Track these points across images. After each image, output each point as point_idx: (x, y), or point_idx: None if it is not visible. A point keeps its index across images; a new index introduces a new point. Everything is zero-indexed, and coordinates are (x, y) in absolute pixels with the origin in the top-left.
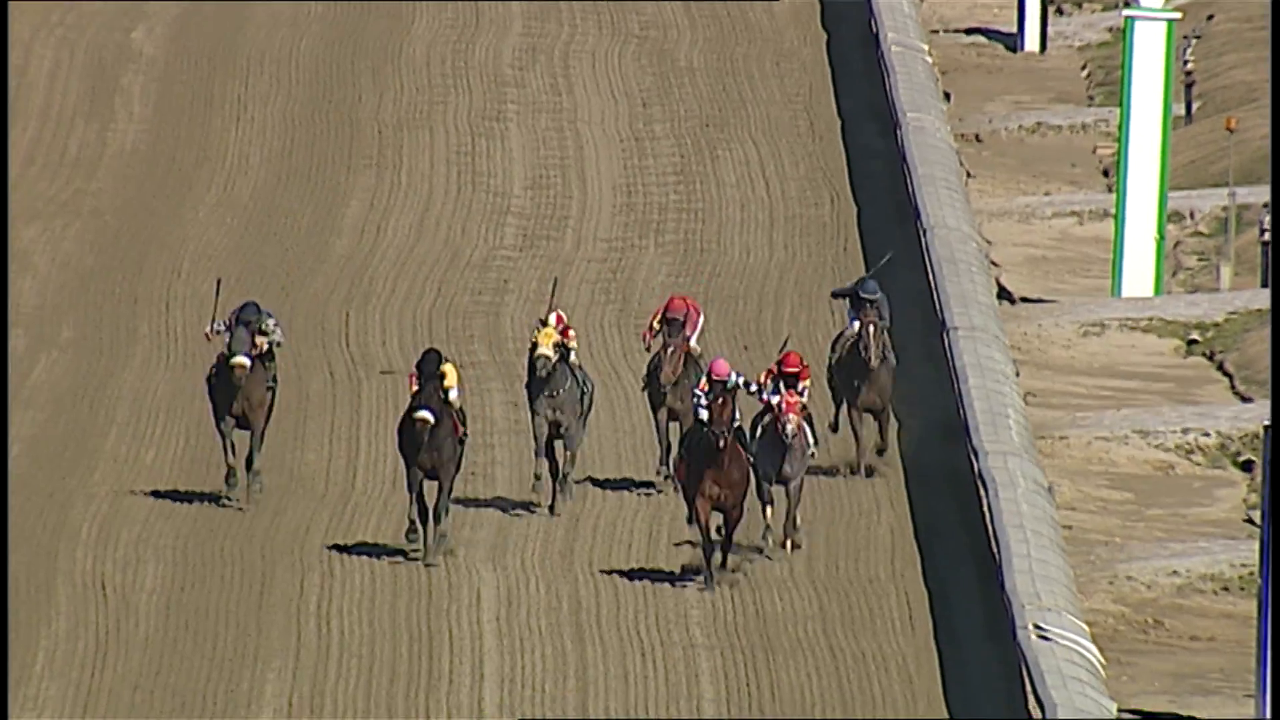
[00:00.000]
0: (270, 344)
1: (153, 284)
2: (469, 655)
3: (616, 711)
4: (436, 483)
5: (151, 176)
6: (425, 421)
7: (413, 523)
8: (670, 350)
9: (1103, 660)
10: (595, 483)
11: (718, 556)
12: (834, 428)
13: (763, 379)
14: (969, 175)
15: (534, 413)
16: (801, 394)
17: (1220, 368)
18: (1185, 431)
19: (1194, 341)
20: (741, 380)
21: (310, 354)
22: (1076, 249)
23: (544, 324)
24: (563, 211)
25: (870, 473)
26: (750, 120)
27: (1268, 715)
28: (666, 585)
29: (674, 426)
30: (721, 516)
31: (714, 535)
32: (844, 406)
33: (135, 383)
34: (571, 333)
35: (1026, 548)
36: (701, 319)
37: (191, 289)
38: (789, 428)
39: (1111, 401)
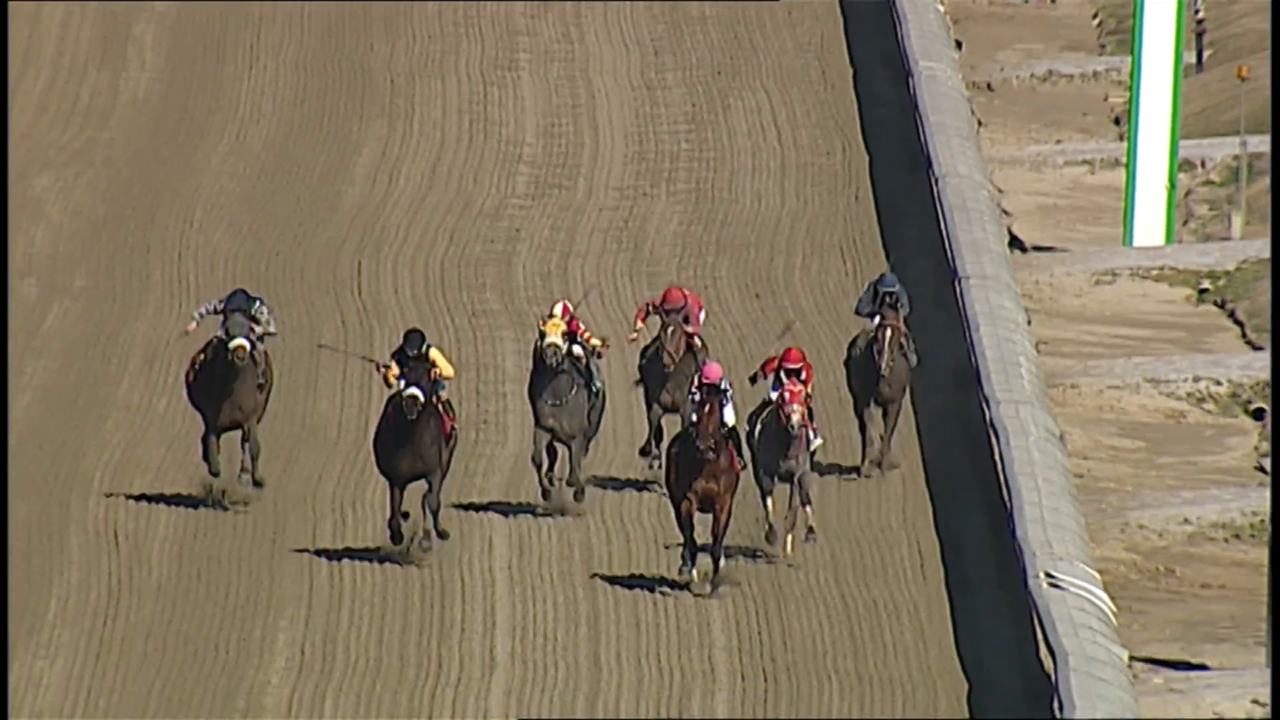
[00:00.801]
0: (262, 334)
1: (165, 233)
2: (481, 603)
3: (627, 658)
4: (425, 482)
5: (164, 125)
6: (415, 399)
7: (394, 534)
8: (670, 330)
9: (1114, 608)
10: (608, 432)
11: (707, 562)
12: (869, 443)
13: (764, 370)
14: (980, 124)
15: (537, 418)
16: (803, 384)
17: (1231, 316)
18: (1196, 380)
19: (1205, 290)
20: (729, 391)
21: (322, 302)
22: (1088, 197)
23: (550, 316)
24: (574, 160)
25: (873, 469)
26: (762, 69)
27: None
28: (677, 534)
29: (669, 422)
30: (710, 518)
31: (698, 539)
32: (862, 405)
33: (147, 331)
34: (581, 326)
35: (1038, 496)
36: (704, 313)
37: (204, 238)
38: (794, 419)
39: (1123, 350)
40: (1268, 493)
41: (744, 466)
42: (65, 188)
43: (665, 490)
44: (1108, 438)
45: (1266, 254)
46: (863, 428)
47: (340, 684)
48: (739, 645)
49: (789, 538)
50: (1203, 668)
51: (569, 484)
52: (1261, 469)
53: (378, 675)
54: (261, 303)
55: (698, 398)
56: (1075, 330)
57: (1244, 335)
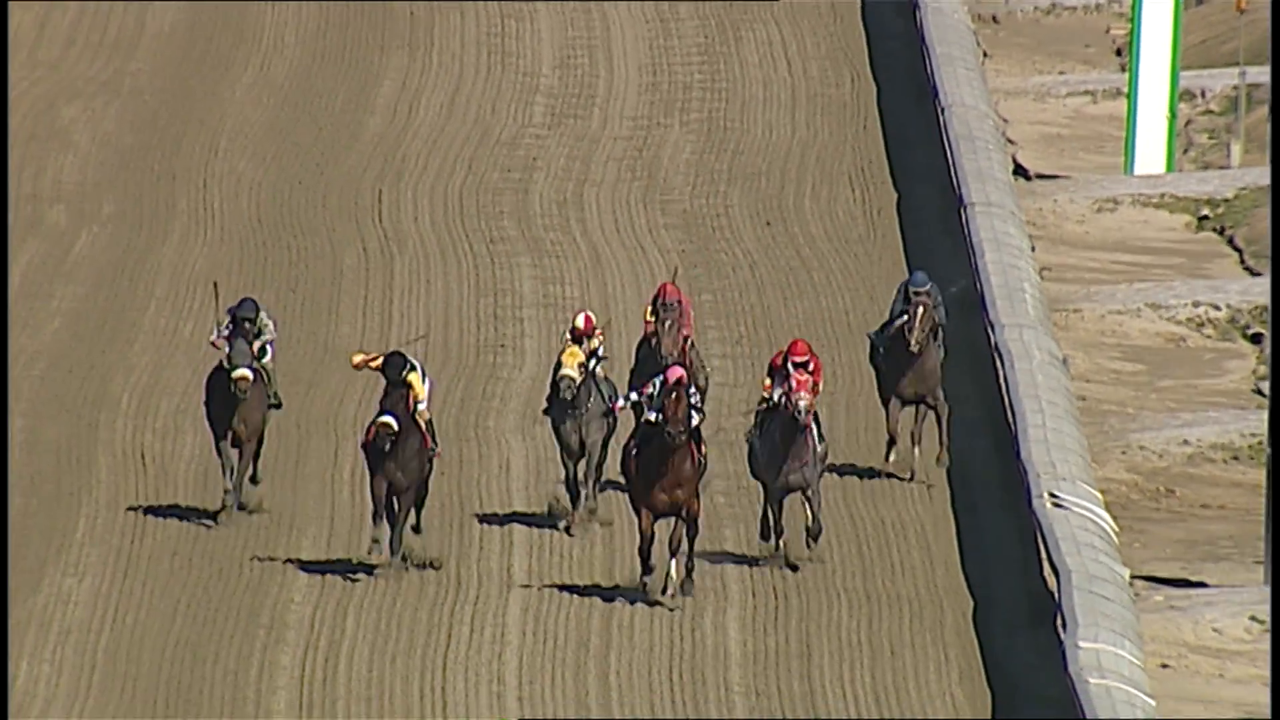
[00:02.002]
0: (266, 346)
1: (190, 161)
2: (498, 523)
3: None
4: (398, 500)
5: (189, 57)
6: (388, 427)
7: (376, 540)
8: (668, 324)
9: (1116, 527)
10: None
11: (673, 567)
12: (888, 454)
13: (768, 384)
14: (986, 55)
15: (558, 437)
16: (811, 373)
17: (1230, 242)
18: (1196, 305)
19: (1205, 217)
20: (695, 393)
21: (344, 230)
22: (1090, 127)
23: (572, 336)
24: (590, 90)
25: (912, 475)
26: (773, 3)
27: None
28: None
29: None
30: (678, 524)
31: (661, 547)
32: (892, 408)
33: (174, 257)
34: (600, 335)
35: (1042, 418)
36: (693, 313)
37: (228, 166)
38: (801, 404)
39: (1124, 276)
40: (1265, 415)
41: (705, 468)
42: (93, 117)
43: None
44: (1109, 361)
45: (1265, 182)
46: (889, 420)
47: (361, 601)
48: (749, 564)
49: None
50: (1202, 585)
51: (584, 493)
52: (1259, 392)
53: (398, 593)
54: (265, 312)
55: (663, 392)
56: (1078, 256)
57: (1242, 261)
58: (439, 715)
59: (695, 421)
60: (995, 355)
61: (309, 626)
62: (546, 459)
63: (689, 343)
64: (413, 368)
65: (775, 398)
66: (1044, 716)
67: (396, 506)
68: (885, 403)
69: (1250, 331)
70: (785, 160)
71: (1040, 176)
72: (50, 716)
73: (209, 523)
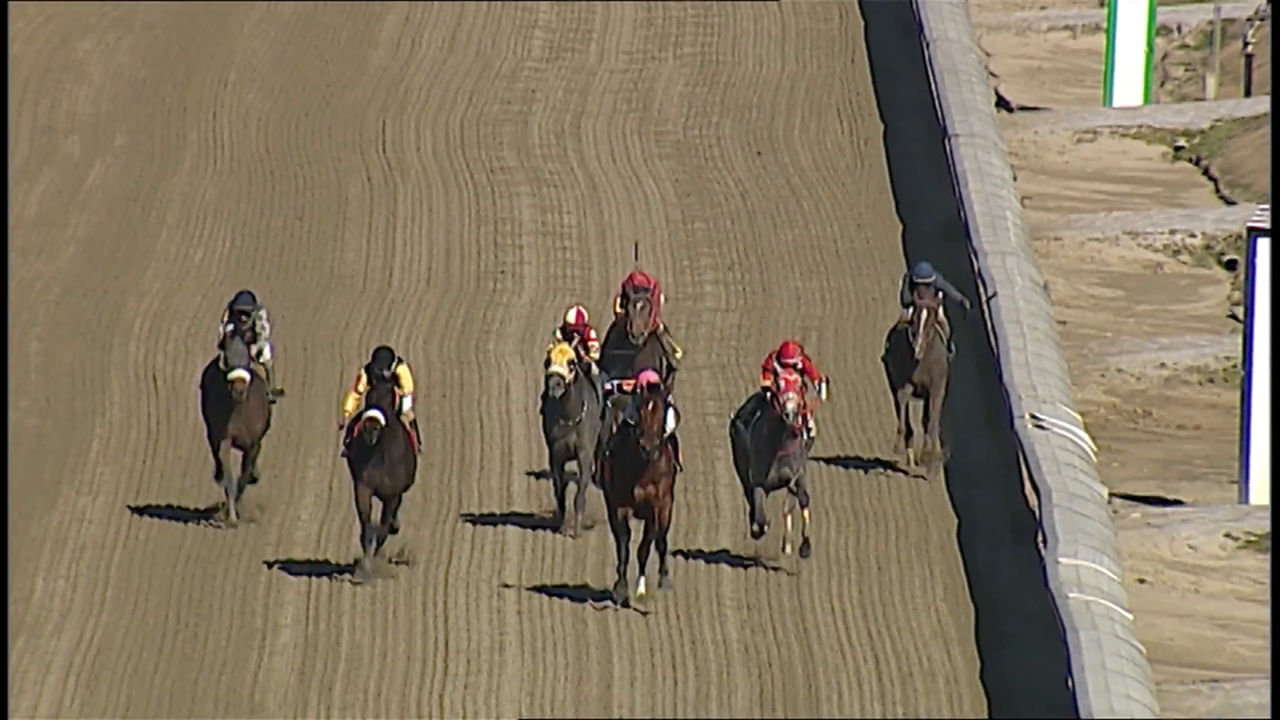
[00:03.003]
0: (264, 349)
1: (201, 93)
2: (499, 444)
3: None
4: (383, 503)
5: None
6: (375, 421)
7: (364, 542)
8: (640, 305)
9: (1094, 448)
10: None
11: (646, 566)
12: (906, 440)
13: (765, 378)
14: None
15: (549, 440)
16: (803, 374)
17: (1205, 172)
18: (1173, 232)
19: (1180, 148)
20: (671, 396)
21: (349, 160)
22: (1070, 60)
23: (562, 332)
24: (586, 25)
25: (919, 464)
26: None
27: (1250, 500)
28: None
29: None
30: (649, 524)
31: (638, 578)
32: (901, 396)
33: (184, 186)
34: (592, 334)
35: (1023, 342)
36: (663, 298)
37: (237, 98)
38: (789, 406)
39: (1103, 204)
40: (1239, 339)
41: (680, 470)
42: (107, 51)
43: (601, 491)
44: (1089, 287)
45: (1239, 114)
46: (898, 411)
47: None
48: (738, 483)
49: (785, 546)
50: (1178, 503)
51: (575, 505)
52: (1234, 317)
53: (403, 509)
54: (262, 308)
55: (638, 400)
56: (1058, 186)
57: (1217, 190)
58: (439, 626)
59: (671, 426)
60: (978, 281)
61: (315, 543)
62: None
63: (660, 326)
64: (400, 361)
65: (766, 394)
66: (1025, 630)
67: (382, 511)
68: (894, 393)
69: (1225, 258)
70: (775, 93)
71: (1022, 109)
72: (66, 630)
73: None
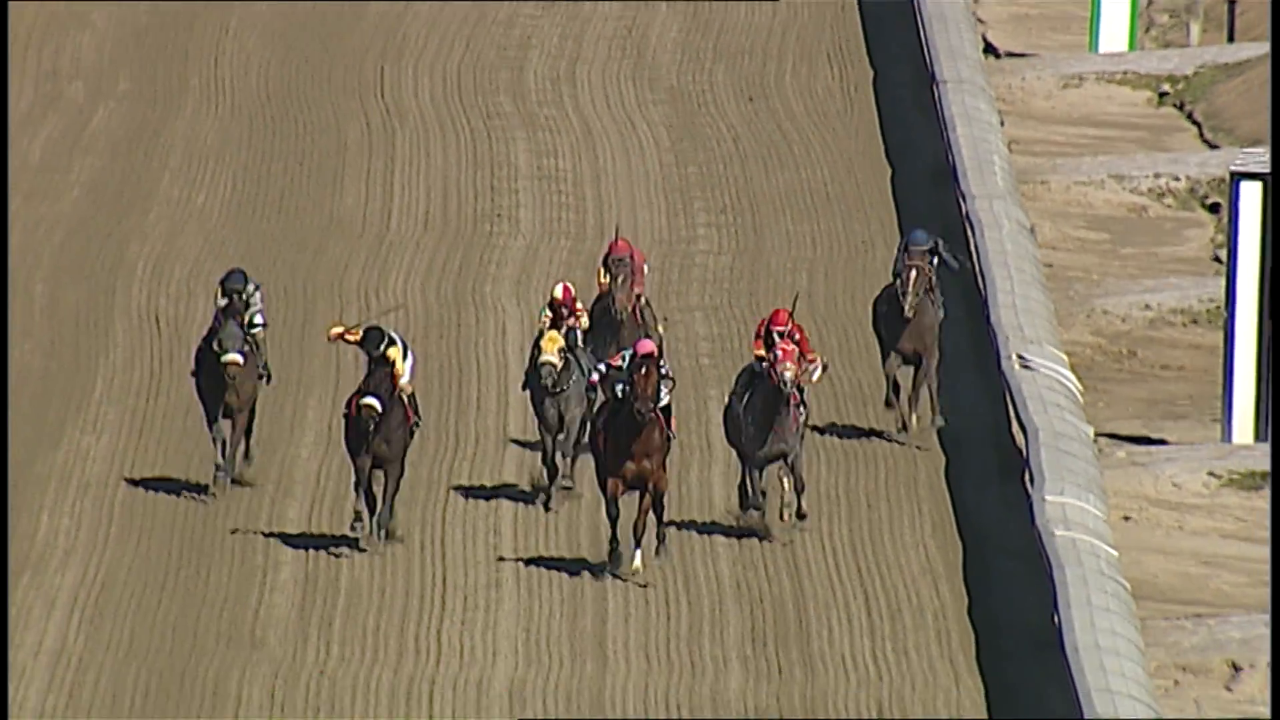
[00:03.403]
0: (255, 326)
1: (202, 40)
2: (495, 384)
3: None
4: (383, 474)
5: None
6: (371, 409)
7: (358, 513)
8: (620, 279)
9: (1080, 387)
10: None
11: (638, 557)
12: (889, 403)
13: (757, 347)
14: None
15: (540, 417)
16: (797, 344)
17: (1189, 117)
18: (1157, 176)
19: (1165, 93)
20: (666, 367)
21: (348, 105)
22: (1057, 7)
23: (550, 307)
24: None
25: (905, 427)
26: None
27: (1233, 439)
28: (678, 314)
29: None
30: (643, 495)
31: (629, 518)
32: (890, 363)
33: (186, 131)
34: (579, 306)
35: (1010, 284)
36: (646, 268)
37: (238, 45)
38: (786, 375)
39: (1089, 148)
40: (1222, 280)
41: (674, 438)
42: None
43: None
44: (1075, 230)
45: (1222, 60)
46: (890, 383)
47: None
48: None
49: (782, 513)
50: (1162, 442)
51: (562, 477)
52: (1217, 259)
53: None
54: (257, 288)
55: (632, 367)
56: (1045, 130)
57: (1201, 135)
58: (437, 563)
59: (665, 396)
60: (966, 224)
61: (315, 482)
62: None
63: (642, 299)
64: (391, 341)
65: (760, 365)
66: (1011, 566)
67: (383, 480)
68: (883, 359)
69: (1208, 202)
70: (767, 40)
71: (1009, 55)
72: (70, 566)
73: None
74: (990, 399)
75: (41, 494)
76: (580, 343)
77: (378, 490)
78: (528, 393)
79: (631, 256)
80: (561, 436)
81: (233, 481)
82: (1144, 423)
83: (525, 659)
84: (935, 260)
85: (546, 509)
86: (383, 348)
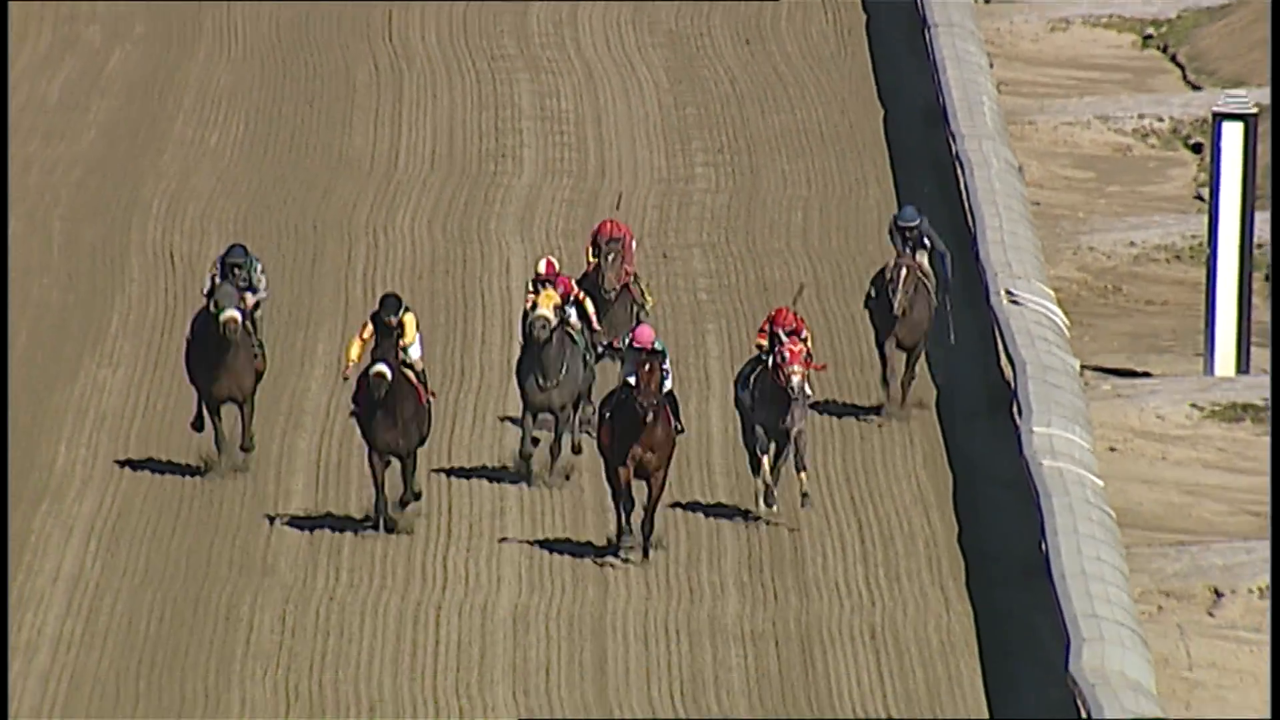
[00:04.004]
0: (257, 301)
1: None
2: (500, 318)
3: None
4: (400, 463)
5: None
6: (382, 376)
7: (376, 511)
8: (612, 257)
9: (1067, 322)
10: (614, 163)
11: (642, 526)
12: (885, 384)
13: (760, 338)
14: None
15: (523, 394)
16: (804, 340)
17: (1173, 59)
18: (1141, 117)
19: (1149, 36)
20: (666, 355)
21: (356, 47)
22: None
23: (534, 284)
24: None
25: (889, 413)
26: None
27: (1215, 372)
28: (677, 251)
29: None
30: (645, 486)
31: (637, 509)
32: (886, 346)
33: (200, 73)
34: (574, 286)
35: (999, 221)
36: (634, 244)
37: None
38: (794, 380)
39: (1075, 90)
40: (1205, 218)
41: (680, 431)
42: None
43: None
44: (1062, 169)
45: (1205, 4)
46: (884, 361)
47: None
48: (731, 355)
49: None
50: (1146, 375)
51: (551, 453)
52: (1199, 197)
53: None
54: (257, 260)
55: (634, 359)
56: (1032, 72)
57: (1184, 77)
58: (443, 491)
59: (668, 386)
60: (957, 163)
61: (324, 413)
62: (542, 255)
63: (633, 276)
64: (407, 309)
65: (767, 361)
66: (1000, 496)
67: (400, 470)
68: (880, 347)
69: (1191, 141)
70: None
71: None
72: (87, 496)
73: None
74: (979, 333)
75: (59, 425)
76: (574, 319)
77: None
78: (517, 377)
79: (621, 236)
80: (558, 417)
81: (235, 469)
82: (1129, 356)
83: (528, 585)
84: (928, 244)
85: (532, 485)
86: (399, 314)
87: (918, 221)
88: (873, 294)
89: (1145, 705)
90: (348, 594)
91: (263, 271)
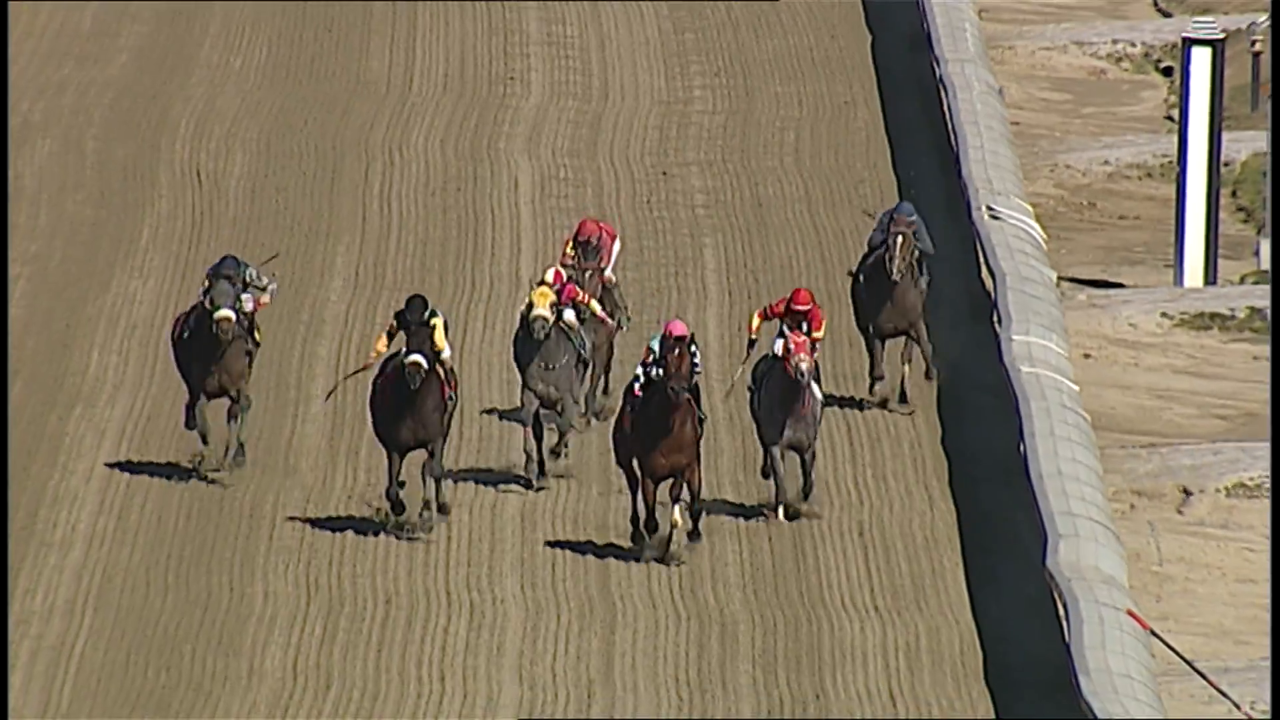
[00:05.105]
0: (266, 295)
1: None
2: (508, 232)
3: (630, 289)
4: (425, 463)
5: None
6: (418, 365)
7: (395, 503)
8: (588, 274)
9: (1045, 236)
10: (614, 101)
11: (678, 526)
12: (879, 377)
13: (755, 325)
14: None
15: (524, 385)
16: (809, 334)
17: None
18: (1115, 42)
19: None
20: (696, 349)
21: None
22: None
23: (542, 282)
24: None
25: (885, 404)
26: None
27: (1184, 283)
28: (676, 169)
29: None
30: (676, 484)
31: (671, 508)
32: (870, 334)
33: (225, 1)
34: (578, 292)
35: (980, 141)
36: (617, 245)
37: None
38: (802, 366)
39: (1053, 17)
40: (1175, 138)
41: (703, 420)
42: None
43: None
44: (1040, 91)
45: None
46: (871, 351)
47: (390, 300)
48: (727, 269)
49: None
50: (1119, 286)
51: (553, 452)
52: (1170, 118)
53: (421, 290)
54: (249, 267)
55: (665, 347)
56: (1012, 0)
57: (1155, 4)
58: (455, 393)
59: (695, 378)
60: (940, 86)
61: (343, 322)
62: (550, 176)
63: (612, 279)
64: (434, 312)
65: (776, 351)
66: (981, 400)
67: (424, 462)
68: (865, 334)
69: (1162, 65)
70: None
71: None
72: (118, 400)
73: (257, 232)
74: (962, 246)
75: (92, 333)
76: (576, 323)
77: (417, 472)
78: (517, 365)
79: (600, 236)
80: (557, 410)
81: (214, 469)
82: (1103, 268)
83: (535, 486)
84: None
85: (535, 485)
86: (425, 315)
87: (916, 219)
88: (861, 278)
89: (1118, 598)
90: (366, 491)
91: (259, 275)
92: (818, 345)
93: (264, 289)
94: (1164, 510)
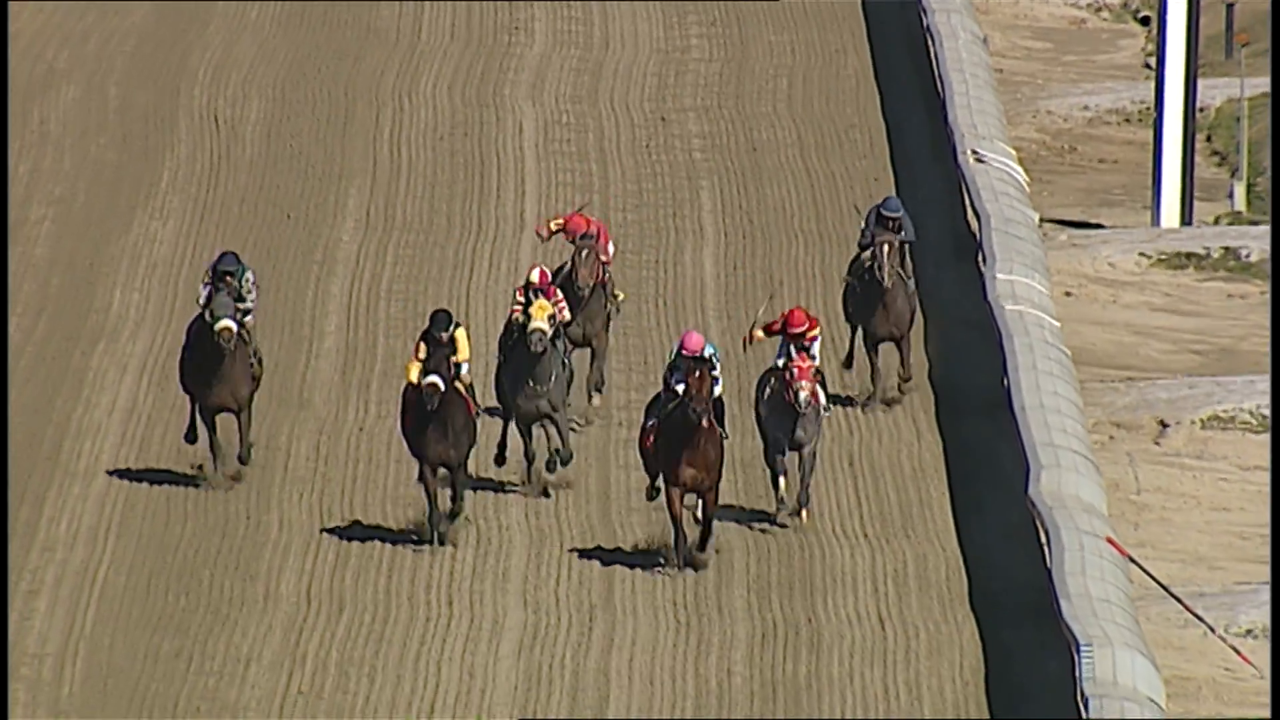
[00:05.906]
0: (247, 310)
1: None
2: (513, 175)
3: (629, 237)
4: (450, 472)
5: None
6: (435, 387)
7: (430, 525)
8: (585, 253)
9: (1027, 179)
10: (620, 54)
11: (694, 539)
12: (848, 364)
13: (752, 336)
14: None
15: (515, 404)
16: (813, 355)
17: None
18: None
19: None
20: (715, 354)
21: None
22: None
23: (534, 292)
24: None
25: (891, 404)
26: None
27: (1161, 224)
28: (674, 114)
29: (579, 357)
30: (698, 500)
31: (691, 519)
32: (858, 335)
33: None
34: (558, 293)
35: (965, 88)
36: (611, 246)
37: None
38: (801, 395)
39: None
40: (1152, 85)
41: (726, 438)
42: None
43: (644, 462)
44: (1023, 40)
45: None
46: (851, 348)
47: (399, 240)
48: (723, 209)
49: (803, 513)
50: (1099, 226)
51: (558, 454)
52: (1148, 66)
53: (429, 231)
54: (248, 270)
55: (685, 366)
56: None
57: None
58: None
59: (717, 391)
60: (927, 35)
61: (355, 261)
62: (553, 122)
63: (606, 272)
64: (459, 325)
65: (779, 365)
66: (967, 336)
67: (450, 483)
68: (852, 333)
69: (1140, 15)
70: None
71: None
72: (140, 336)
73: (272, 175)
74: (948, 189)
75: (115, 272)
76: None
77: (443, 490)
78: (498, 388)
79: (594, 231)
80: (549, 424)
81: (231, 477)
82: (1083, 210)
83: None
84: (900, 230)
85: (528, 494)
86: (450, 330)
87: (901, 214)
88: (854, 285)
89: (1098, 526)
90: (376, 425)
91: (254, 282)
92: (820, 371)
93: (249, 311)
94: (1142, 441)
